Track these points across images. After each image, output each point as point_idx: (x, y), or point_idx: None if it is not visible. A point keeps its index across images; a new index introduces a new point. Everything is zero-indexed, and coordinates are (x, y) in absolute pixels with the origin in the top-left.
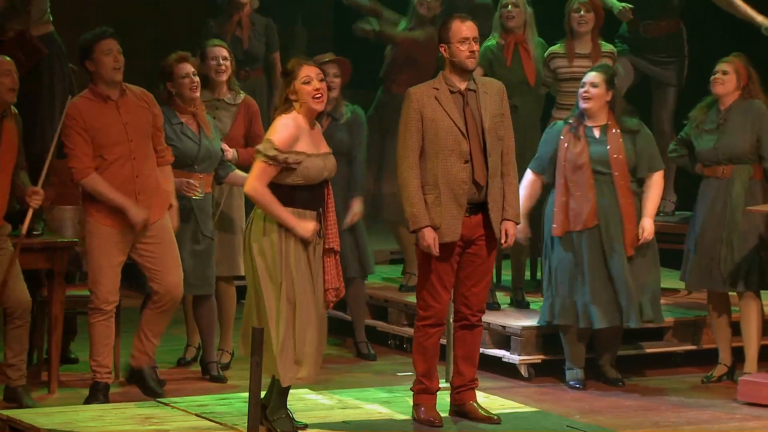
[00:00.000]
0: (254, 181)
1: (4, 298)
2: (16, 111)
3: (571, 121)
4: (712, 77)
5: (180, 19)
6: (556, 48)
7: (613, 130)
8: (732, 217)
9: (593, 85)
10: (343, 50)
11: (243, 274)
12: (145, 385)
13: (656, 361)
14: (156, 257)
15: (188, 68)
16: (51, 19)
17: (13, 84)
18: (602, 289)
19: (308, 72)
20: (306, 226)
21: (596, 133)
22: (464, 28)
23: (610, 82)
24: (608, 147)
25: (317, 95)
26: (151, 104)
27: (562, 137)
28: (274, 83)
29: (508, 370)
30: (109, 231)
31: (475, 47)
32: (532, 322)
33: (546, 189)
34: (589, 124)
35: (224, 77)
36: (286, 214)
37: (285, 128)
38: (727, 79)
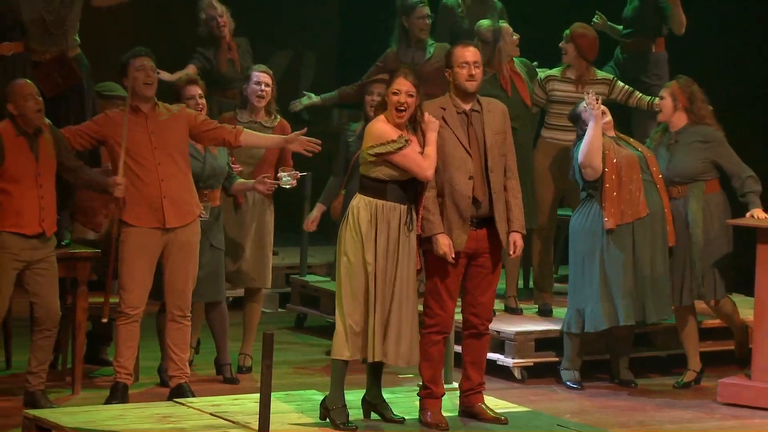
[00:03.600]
0: (425, 165)
1: (37, 309)
2: (49, 121)
3: None
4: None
5: (192, 40)
6: (554, 72)
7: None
8: (693, 233)
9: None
10: (347, 76)
11: (269, 287)
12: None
13: (642, 363)
14: (173, 265)
15: (194, 91)
16: (79, 41)
17: (38, 105)
18: (659, 281)
19: (399, 85)
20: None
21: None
22: (465, 53)
23: None
24: (639, 149)
25: (400, 108)
26: (185, 116)
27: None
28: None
29: (503, 373)
30: (140, 234)
31: (474, 71)
32: (525, 327)
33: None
34: (609, 135)
35: (263, 103)
36: None
37: (382, 124)
38: (663, 104)
